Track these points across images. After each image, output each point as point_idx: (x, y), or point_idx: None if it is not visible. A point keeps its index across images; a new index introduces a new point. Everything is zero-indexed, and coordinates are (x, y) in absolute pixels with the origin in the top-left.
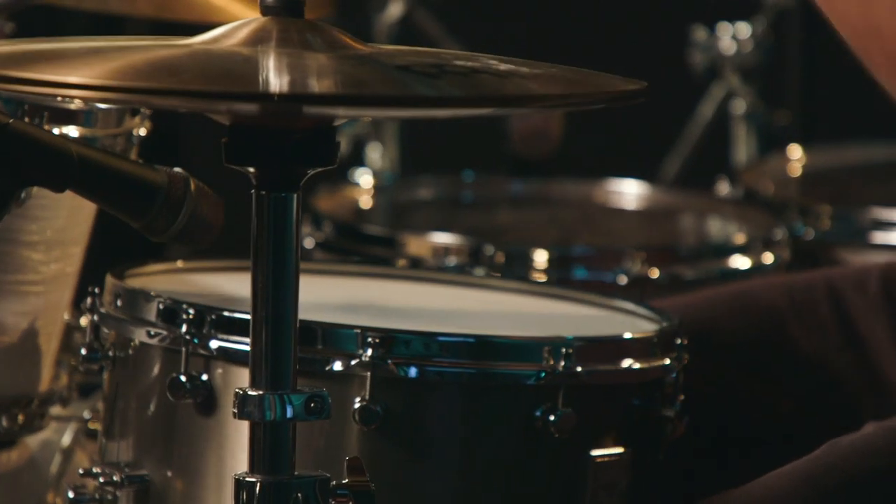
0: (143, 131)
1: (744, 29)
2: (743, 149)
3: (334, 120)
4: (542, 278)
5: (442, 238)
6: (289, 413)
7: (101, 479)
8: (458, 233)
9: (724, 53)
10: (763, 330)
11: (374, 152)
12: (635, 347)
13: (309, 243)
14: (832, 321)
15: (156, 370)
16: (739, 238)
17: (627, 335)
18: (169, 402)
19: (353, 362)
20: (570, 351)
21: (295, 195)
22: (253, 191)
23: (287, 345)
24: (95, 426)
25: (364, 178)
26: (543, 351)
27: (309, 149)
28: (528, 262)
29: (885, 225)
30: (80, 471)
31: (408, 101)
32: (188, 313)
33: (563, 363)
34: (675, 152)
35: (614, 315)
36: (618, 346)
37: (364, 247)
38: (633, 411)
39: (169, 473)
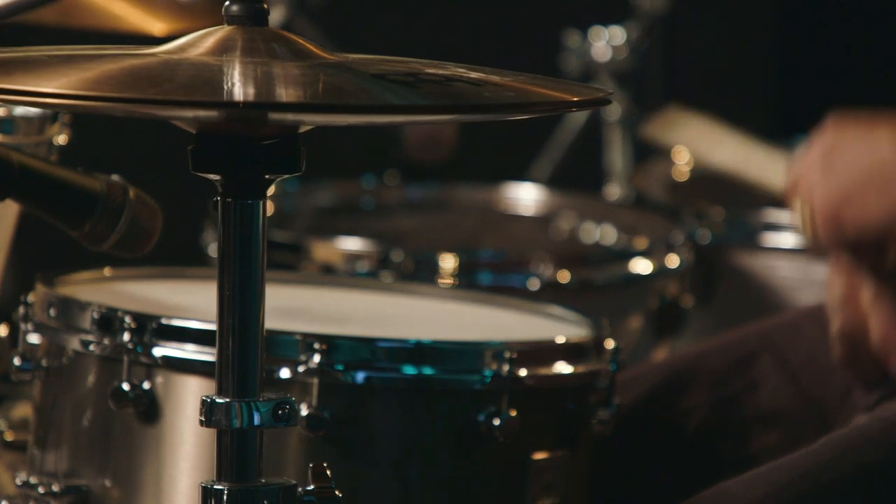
0: (62, 139)
1: (618, 34)
2: (618, 154)
3: (299, 127)
4: (451, 283)
5: (350, 244)
6: (256, 420)
7: (41, 490)
8: (364, 238)
9: (598, 59)
10: (706, 395)
11: None
12: (574, 351)
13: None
14: (772, 370)
15: (92, 379)
16: (642, 242)
17: (566, 339)
18: (107, 410)
19: (300, 369)
20: (514, 355)
21: (261, 202)
22: (218, 198)
23: (254, 352)
24: (13, 437)
25: None
26: (486, 355)
27: (276, 156)
28: (437, 268)
29: (777, 227)
30: (18, 482)
31: (405, 110)
32: (128, 322)
33: (506, 367)
34: (547, 157)
35: (543, 319)
36: (557, 351)
37: (270, 253)
38: (571, 414)
39: (107, 483)
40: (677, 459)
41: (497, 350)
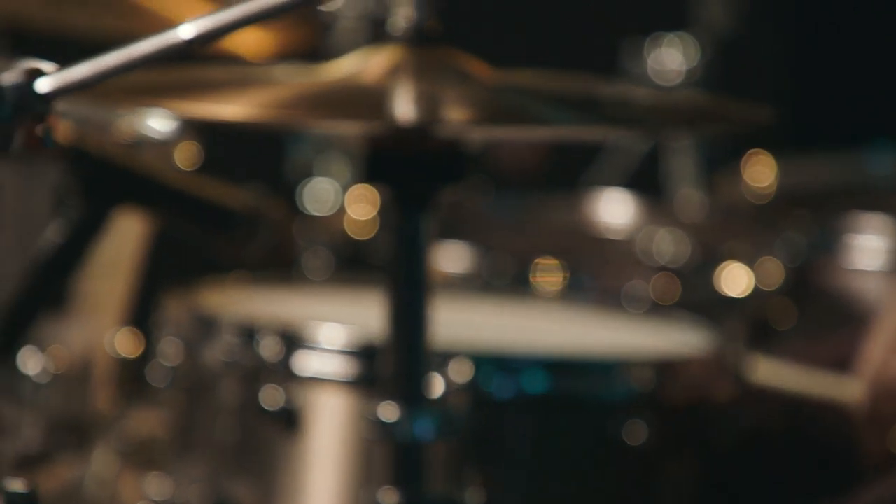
0: (188, 156)
1: (682, 44)
2: (684, 168)
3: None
4: (554, 297)
5: (452, 253)
6: (424, 434)
7: (179, 503)
8: (466, 247)
9: (659, 69)
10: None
11: (336, 164)
12: (707, 365)
13: (320, 261)
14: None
15: (233, 393)
16: (739, 252)
17: (701, 354)
18: (248, 424)
19: (448, 383)
20: (651, 369)
21: (428, 213)
22: (387, 209)
23: (422, 365)
24: (143, 450)
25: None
26: (624, 369)
27: (443, 167)
28: (539, 279)
29: (867, 236)
30: (154, 496)
31: (585, 128)
32: (269, 334)
33: (644, 382)
34: (608, 166)
35: (670, 332)
36: (692, 364)
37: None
38: (704, 429)
39: (248, 496)
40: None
41: (634, 364)
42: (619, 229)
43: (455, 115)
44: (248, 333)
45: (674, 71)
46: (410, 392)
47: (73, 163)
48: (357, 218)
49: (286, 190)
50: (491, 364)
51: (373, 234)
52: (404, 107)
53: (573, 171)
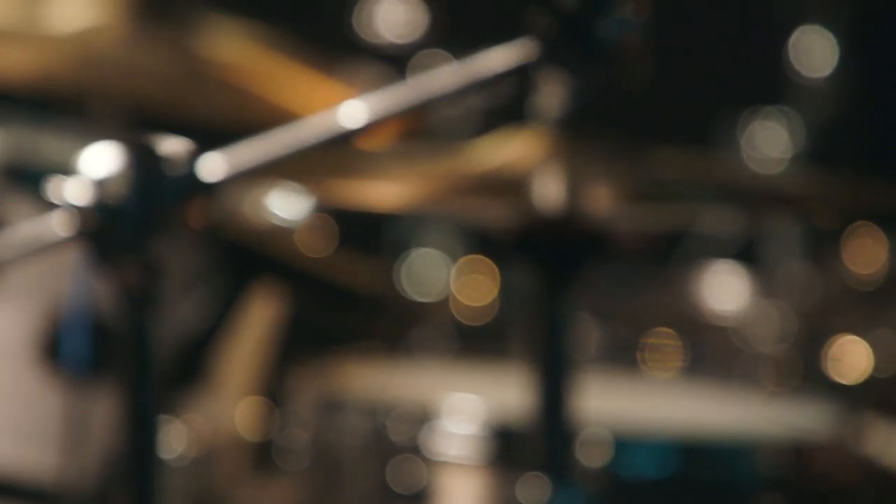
0: (319, 238)
1: (781, 119)
2: (789, 239)
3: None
4: (671, 374)
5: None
6: None
7: None
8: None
9: (751, 146)
10: None
11: (439, 233)
12: (837, 448)
13: (436, 339)
14: None
15: (363, 472)
16: (852, 328)
17: (829, 436)
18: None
19: (586, 465)
20: (784, 453)
21: (572, 292)
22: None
23: (565, 446)
24: None
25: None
26: (758, 453)
27: (589, 248)
28: (654, 358)
29: None
30: None
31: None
32: (400, 415)
33: (776, 465)
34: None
35: (794, 412)
36: (823, 448)
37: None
38: None
39: None
40: None
41: (768, 448)
42: (727, 307)
43: (603, 197)
44: (378, 414)
45: (774, 146)
46: (552, 473)
47: (213, 242)
48: (468, 303)
49: (387, 263)
50: (627, 446)
51: (492, 314)
52: (552, 191)
53: (677, 244)
